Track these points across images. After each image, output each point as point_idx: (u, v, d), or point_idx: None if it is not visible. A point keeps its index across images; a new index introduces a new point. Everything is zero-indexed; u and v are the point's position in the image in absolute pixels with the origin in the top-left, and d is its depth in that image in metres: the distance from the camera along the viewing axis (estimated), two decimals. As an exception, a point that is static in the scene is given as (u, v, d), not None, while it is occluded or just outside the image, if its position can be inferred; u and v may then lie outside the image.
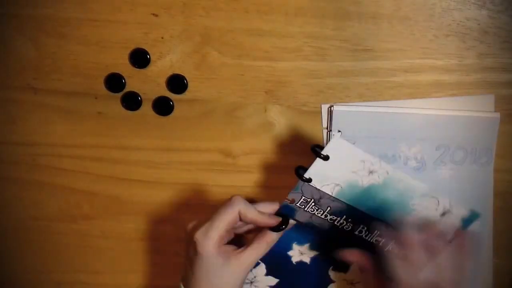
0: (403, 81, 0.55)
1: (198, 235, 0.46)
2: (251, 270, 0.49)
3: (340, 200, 0.49)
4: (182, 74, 0.55)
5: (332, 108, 0.55)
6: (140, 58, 0.55)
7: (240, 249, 0.48)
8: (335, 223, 0.50)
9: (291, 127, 0.57)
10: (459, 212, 0.50)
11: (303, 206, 0.49)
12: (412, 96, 0.56)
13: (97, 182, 0.58)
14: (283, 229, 0.48)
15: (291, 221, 0.49)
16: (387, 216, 0.50)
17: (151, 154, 0.57)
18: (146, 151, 0.57)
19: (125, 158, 0.57)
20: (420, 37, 0.55)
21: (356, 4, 0.54)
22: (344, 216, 0.50)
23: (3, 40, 0.55)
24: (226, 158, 0.57)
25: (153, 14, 0.54)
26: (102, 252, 0.60)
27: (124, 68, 0.55)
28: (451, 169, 0.56)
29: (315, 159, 0.46)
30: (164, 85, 0.56)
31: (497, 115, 0.55)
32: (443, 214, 0.50)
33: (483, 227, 0.57)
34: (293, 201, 0.48)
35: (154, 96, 0.56)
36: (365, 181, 0.48)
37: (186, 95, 0.56)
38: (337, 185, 0.48)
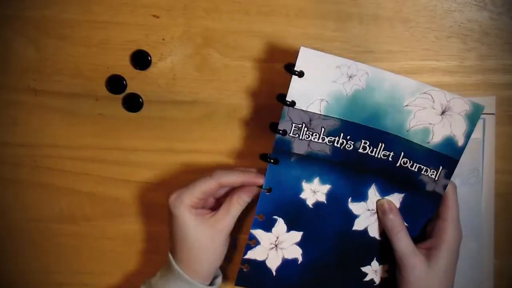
0: (404, 82, 0.55)
1: (172, 198, 0.50)
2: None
3: (331, 116, 0.48)
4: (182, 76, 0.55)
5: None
6: (141, 60, 0.55)
7: (213, 212, 0.51)
8: (335, 144, 0.49)
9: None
10: (461, 107, 0.49)
11: (297, 135, 0.49)
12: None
13: (98, 184, 0.58)
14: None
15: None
16: (384, 123, 0.49)
17: (152, 155, 0.57)
18: (147, 152, 0.57)
19: (126, 159, 0.57)
20: (421, 39, 0.55)
21: (357, 6, 0.54)
22: (342, 134, 0.49)
23: (4, 42, 0.55)
24: (228, 160, 0.57)
25: (154, 16, 0.54)
26: (103, 253, 0.60)
27: (125, 69, 0.55)
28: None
29: (291, 78, 0.46)
30: (165, 86, 0.56)
31: (479, 135, 0.56)
32: (443, 112, 0.49)
33: (482, 233, 0.57)
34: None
35: (155, 97, 0.56)
36: (347, 88, 0.48)
37: (188, 96, 0.56)
38: (322, 100, 0.47)
